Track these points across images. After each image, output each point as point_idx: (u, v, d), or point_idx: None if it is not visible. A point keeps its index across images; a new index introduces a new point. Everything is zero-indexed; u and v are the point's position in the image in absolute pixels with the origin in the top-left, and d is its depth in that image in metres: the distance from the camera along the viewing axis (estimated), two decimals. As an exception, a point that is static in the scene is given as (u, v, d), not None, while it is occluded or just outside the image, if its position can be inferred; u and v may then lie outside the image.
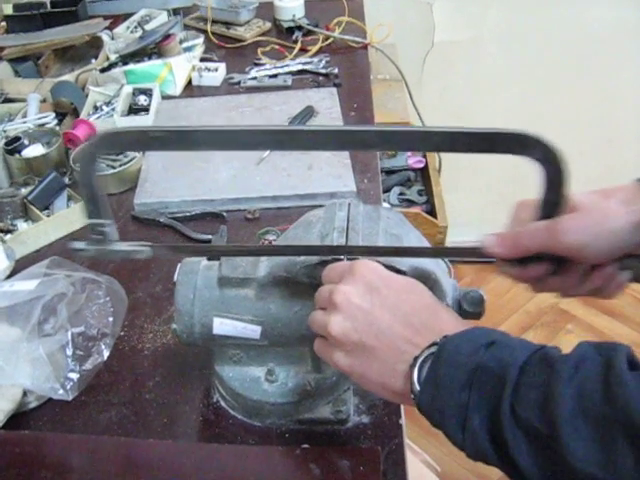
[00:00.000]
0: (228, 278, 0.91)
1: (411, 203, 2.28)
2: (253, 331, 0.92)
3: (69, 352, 0.97)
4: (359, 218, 0.89)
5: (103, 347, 1.01)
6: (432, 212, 2.24)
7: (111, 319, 1.03)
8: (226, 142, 0.70)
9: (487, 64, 2.48)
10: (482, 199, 2.79)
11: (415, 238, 0.91)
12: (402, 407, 1.00)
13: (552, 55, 2.46)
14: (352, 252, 0.83)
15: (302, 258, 0.86)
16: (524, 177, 2.69)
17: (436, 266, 0.89)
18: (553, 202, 0.71)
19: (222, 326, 0.92)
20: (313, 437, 0.96)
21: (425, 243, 0.94)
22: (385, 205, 2.23)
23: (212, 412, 1.00)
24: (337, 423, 0.96)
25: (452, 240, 2.46)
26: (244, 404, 0.97)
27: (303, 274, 0.86)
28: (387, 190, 2.29)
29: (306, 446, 0.93)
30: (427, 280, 0.87)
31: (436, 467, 1.50)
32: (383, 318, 0.71)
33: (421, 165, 2.34)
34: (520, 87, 2.50)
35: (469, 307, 0.90)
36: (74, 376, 0.97)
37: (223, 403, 1.00)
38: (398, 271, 0.84)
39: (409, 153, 2.37)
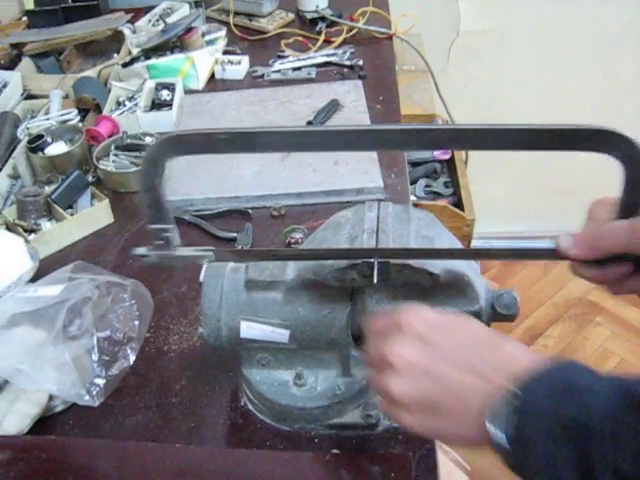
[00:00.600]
0: (255, 281, 0.89)
1: (437, 195, 2.24)
2: (281, 335, 0.90)
3: (95, 357, 0.95)
4: (389, 219, 0.86)
5: (129, 351, 0.99)
6: (459, 204, 2.20)
7: (137, 322, 1.01)
8: (292, 143, 0.68)
9: (513, 53, 2.43)
10: (510, 190, 2.75)
11: (447, 239, 0.89)
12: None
13: (579, 44, 2.41)
14: (383, 255, 0.81)
15: (331, 261, 0.83)
16: (552, 167, 2.67)
17: (468, 267, 0.86)
18: (634, 201, 0.68)
19: (250, 330, 0.90)
20: (343, 442, 0.94)
21: (457, 244, 0.91)
22: (411, 198, 2.20)
23: (240, 416, 0.98)
24: (367, 428, 0.94)
25: (479, 231, 2.42)
26: (272, 408, 0.95)
27: (332, 277, 0.84)
28: (413, 182, 2.26)
29: (336, 451, 0.91)
30: (460, 283, 0.85)
31: (465, 466, 1.47)
32: (443, 370, 0.66)
33: (447, 156, 2.30)
34: (547, 76, 2.45)
35: (503, 310, 0.87)
36: (100, 381, 0.95)
37: (251, 407, 0.99)
38: (430, 274, 0.81)
39: (435, 144, 2.33)
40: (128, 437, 0.97)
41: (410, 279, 0.82)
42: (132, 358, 1.00)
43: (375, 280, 0.80)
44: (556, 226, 2.86)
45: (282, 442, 0.94)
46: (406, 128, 0.67)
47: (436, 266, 0.82)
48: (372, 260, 0.81)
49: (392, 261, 0.80)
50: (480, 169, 2.51)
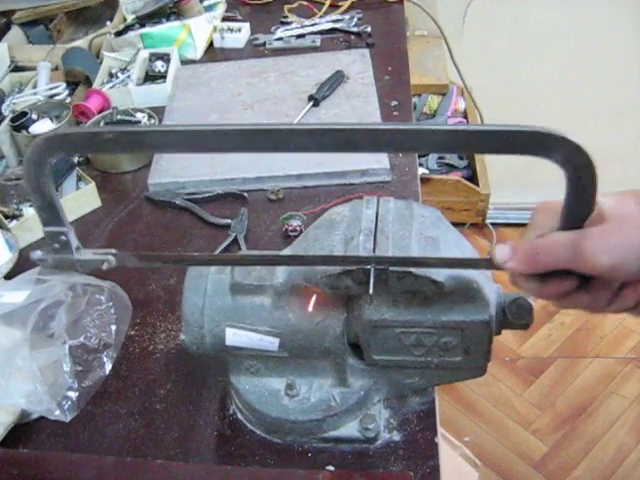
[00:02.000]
0: (241, 284, 0.82)
1: (451, 168, 2.15)
2: (270, 343, 0.83)
3: (66, 367, 0.87)
4: (389, 218, 0.78)
5: (105, 360, 0.91)
6: (473, 177, 2.10)
7: (114, 327, 0.93)
8: (190, 144, 0.59)
9: (532, 17, 2.31)
10: (527, 159, 2.63)
11: (454, 239, 0.80)
12: (438, 422, 0.89)
13: (601, 6, 2.28)
14: (380, 262, 0.72)
15: (323, 267, 0.75)
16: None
17: (478, 272, 0.77)
18: (578, 211, 0.59)
19: (236, 337, 0.83)
20: (339, 456, 0.86)
21: (465, 243, 0.82)
22: (422, 171, 2.10)
23: (228, 426, 0.91)
24: (365, 441, 0.87)
25: (494, 202, 2.33)
26: (262, 420, 0.87)
27: (325, 284, 0.75)
28: (425, 154, 2.16)
29: (330, 469, 0.84)
30: (468, 289, 0.76)
31: (476, 460, 1.40)
32: None
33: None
34: (567, 42, 2.32)
35: (514, 318, 0.79)
36: (72, 394, 0.88)
37: (240, 416, 0.91)
38: (434, 282, 0.73)
39: (449, 113, 2.22)
40: (108, 448, 0.90)
41: (411, 287, 0.74)
42: (108, 367, 0.92)
43: (371, 290, 0.72)
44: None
45: (272, 456, 0.87)
46: (310, 129, 0.58)
47: (440, 272, 0.73)
48: (369, 267, 0.72)
49: (391, 268, 0.72)
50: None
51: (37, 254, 0.71)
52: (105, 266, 0.72)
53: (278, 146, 0.58)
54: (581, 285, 0.62)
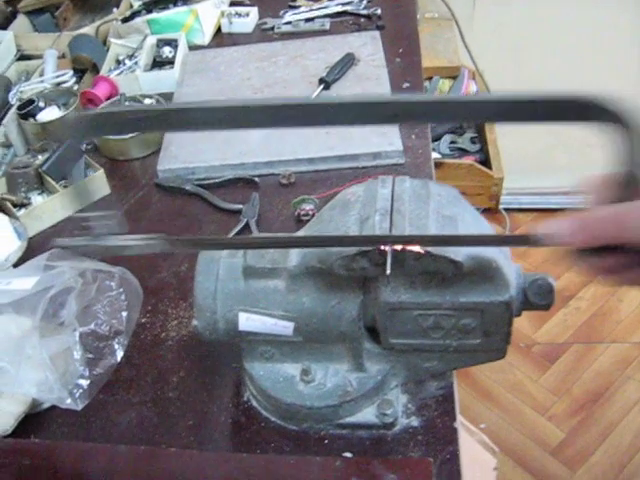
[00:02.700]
0: (254, 268, 0.80)
1: (463, 152, 2.12)
2: (285, 327, 0.81)
3: (77, 355, 0.85)
4: (405, 197, 0.75)
5: (116, 347, 0.90)
6: (486, 161, 2.07)
7: (125, 314, 0.91)
8: (224, 120, 0.57)
9: (543, -1, 2.27)
10: (540, 143, 2.60)
11: (472, 218, 0.78)
12: (457, 407, 0.87)
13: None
14: (397, 242, 0.70)
15: (338, 248, 0.73)
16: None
17: (497, 251, 0.75)
18: (626, 181, 0.56)
19: (249, 322, 0.81)
20: (356, 443, 0.84)
21: (483, 222, 0.80)
22: (435, 155, 2.08)
23: (242, 413, 0.89)
24: (383, 427, 0.85)
25: (507, 187, 2.30)
26: (277, 406, 0.86)
27: (340, 266, 0.73)
28: (437, 139, 2.13)
29: (348, 455, 0.82)
30: (487, 270, 0.74)
31: (494, 447, 1.38)
32: None
33: (473, 110, 2.17)
34: (582, 23, 2.28)
35: (536, 299, 0.77)
36: (84, 382, 0.86)
37: (255, 403, 0.89)
38: (453, 262, 0.70)
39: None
40: (121, 437, 0.88)
41: (429, 267, 0.72)
42: (120, 354, 0.90)
43: (388, 270, 0.70)
44: (589, 181, 2.74)
45: (288, 443, 0.85)
46: (337, 102, 0.55)
47: (459, 252, 0.71)
48: (385, 248, 0.70)
49: (408, 248, 0.70)
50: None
51: (63, 241, 0.68)
52: (137, 252, 0.69)
53: (309, 120, 0.55)
54: (637, 260, 0.60)
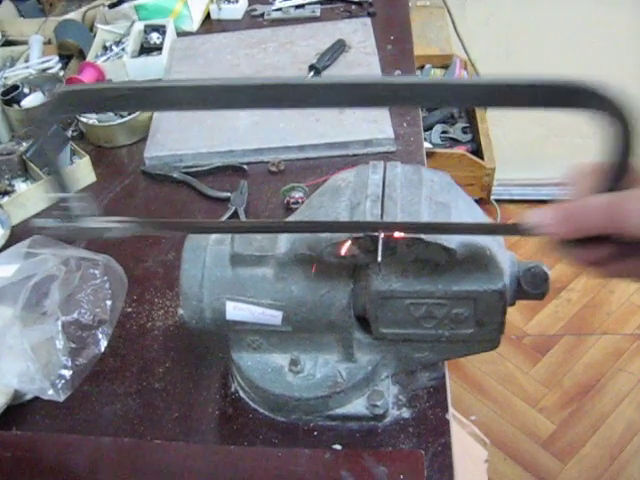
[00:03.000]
0: (242, 255, 0.78)
1: (455, 142, 2.10)
2: (273, 316, 0.79)
3: (60, 345, 0.83)
4: (397, 183, 0.73)
5: (100, 336, 0.87)
6: (478, 151, 2.05)
7: (109, 303, 0.89)
8: (208, 100, 0.54)
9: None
10: (532, 134, 2.59)
11: (465, 205, 0.76)
12: (449, 398, 0.86)
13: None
14: (389, 228, 0.68)
15: (328, 235, 0.71)
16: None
17: (491, 239, 0.74)
18: (615, 171, 0.54)
19: (237, 311, 0.79)
20: (345, 435, 0.83)
21: (476, 209, 0.78)
22: (426, 145, 2.05)
23: (230, 404, 0.87)
24: (373, 419, 0.83)
25: (498, 178, 2.28)
26: (265, 398, 0.84)
27: (330, 253, 0.71)
28: (428, 128, 2.11)
29: (337, 447, 0.80)
30: (481, 258, 0.72)
31: (484, 439, 1.36)
32: None
33: (465, 100, 2.15)
34: (575, 12, 2.27)
35: (530, 287, 0.75)
36: (66, 373, 0.84)
37: (242, 394, 0.87)
38: (446, 249, 0.69)
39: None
40: (105, 428, 0.86)
41: (421, 255, 0.70)
42: (104, 344, 0.88)
43: (379, 258, 0.68)
44: (580, 172, 2.73)
45: (277, 435, 0.83)
46: (330, 83, 0.53)
47: (452, 239, 0.69)
48: (377, 234, 0.68)
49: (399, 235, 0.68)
50: (498, 113, 2.36)
51: (40, 222, 0.66)
52: (116, 234, 0.67)
53: (295, 102, 0.53)
54: (626, 252, 0.57)
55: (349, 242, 0.70)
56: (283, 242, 0.77)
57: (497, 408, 2.06)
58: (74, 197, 0.63)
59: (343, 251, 0.70)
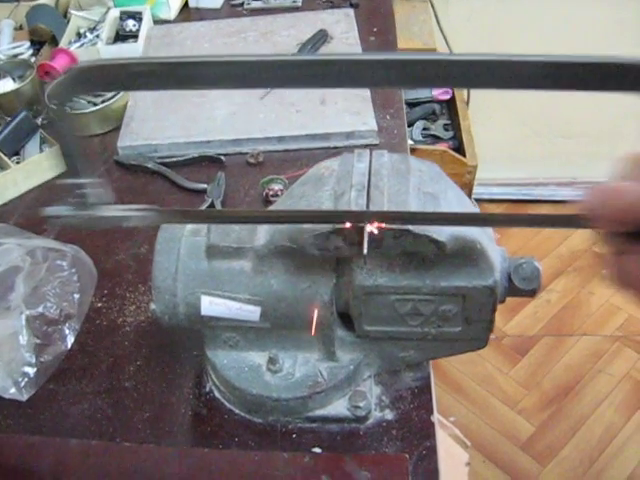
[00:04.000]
0: (218, 247, 0.73)
1: (436, 139, 2.07)
2: (250, 312, 0.75)
3: (23, 340, 0.78)
4: (383, 172, 0.70)
5: (67, 332, 0.83)
6: (459, 149, 2.02)
7: (77, 296, 0.84)
8: (243, 78, 0.49)
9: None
10: (512, 133, 2.57)
11: (455, 196, 0.72)
12: (434, 399, 0.82)
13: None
14: (375, 218, 0.64)
15: (310, 225, 0.66)
16: (558, 108, 2.49)
17: (481, 232, 0.70)
18: None
19: (212, 306, 0.74)
20: (326, 437, 0.79)
21: (467, 201, 0.75)
22: (409, 143, 2.02)
23: (204, 405, 0.83)
24: (355, 421, 0.79)
25: (479, 177, 2.25)
26: (242, 398, 0.80)
27: (312, 245, 0.67)
28: (409, 125, 2.07)
29: (317, 451, 0.77)
30: (470, 251, 0.69)
31: (466, 441, 1.33)
32: None
33: (447, 96, 2.12)
34: (559, 9, 2.25)
35: (522, 284, 0.72)
36: (30, 370, 0.79)
37: (217, 394, 0.83)
38: (435, 242, 0.65)
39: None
40: (72, 429, 0.82)
41: (409, 247, 0.66)
42: (71, 340, 0.83)
43: (365, 250, 0.64)
44: (560, 172, 2.73)
45: (254, 437, 0.79)
46: (384, 59, 0.48)
47: (442, 231, 0.66)
48: (362, 225, 0.64)
49: (386, 226, 0.64)
50: (480, 111, 2.33)
51: (52, 210, 0.61)
52: (137, 223, 0.63)
53: (343, 79, 0.48)
54: None
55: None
56: (262, 233, 0.73)
57: (476, 409, 2.03)
58: (90, 183, 0.58)
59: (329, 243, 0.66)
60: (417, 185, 0.69)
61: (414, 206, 0.66)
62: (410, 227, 0.64)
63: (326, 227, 0.65)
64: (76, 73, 0.50)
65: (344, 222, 0.64)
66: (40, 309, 0.81)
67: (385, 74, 0.46)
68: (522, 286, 0.72)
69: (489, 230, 0.73)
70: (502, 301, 0.73)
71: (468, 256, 0.69)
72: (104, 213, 0.60)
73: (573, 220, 0.56)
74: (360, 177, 0.69)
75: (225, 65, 0.48)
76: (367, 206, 0.66)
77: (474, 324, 0.73)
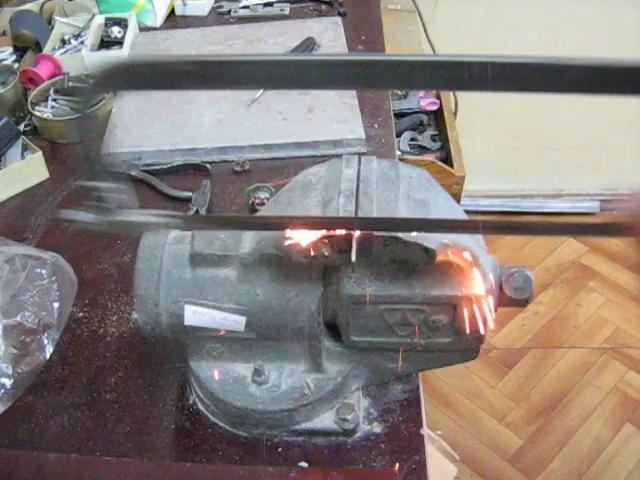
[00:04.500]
0: (202, 255, 0.72)
1: (424, 150, 2.05)
2: (235, 322, 0.73)
3: (0, 351, 0.76)
4: (372, 178, 0.68)
5: (45, 342, 0.80)
6: (447, 160, 2.01)
7: (56, 305, 0.82)
8: (291, 78, 0.47)
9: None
10: (499, 145, 2.57)
11: (445, 203, 0.71)
12: (423, 412, 0.80)
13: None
14: (365, 226, 0.62)
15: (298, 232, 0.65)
16: (545, 120, 2.48)
17: (473, 241, 0.68)
18: None
19: (196, 316, 0.73)
20: (312, 451, 0.77)
21: (458, 209, 0.73)
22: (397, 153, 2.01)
23: (187, 418, 0.81)
24: (342, 434, 0.77)
25: (466, 189, 2.25)
26: (226, 410, 0.77)
27: (299, 252, 0.65)
28: (397, 135, 2.06)
29: (304, 465, 0.75)
30: (462, 260, 0.66)
31: (454, 455, 1.31)
32: None
33: (435, 107, 2.11)
34: (544, 22, 2.25)
35: (514, 293, 0.70)
36: (7, 381, 0.76)
37: (201, 406, 0.81)
38: (425, 250, 0.63)
39: (421, 93, 2.13)
40: (51, 443, 0.80)
41: (399, 255, 0.64)
42: (49, 350, 0.81)
43: (354, 258, 0.62)
44: (547, 184, 2.72)
45: (238, 451, 0.78)
46: (406, 60, 0.47)
47: (432, 239, 0.64)
48: (350, 232, 0.62)
49: (376, 233, 0.62)
50: (467, 123, 2.32)
51: (70, 213, 0.59)
52: (162, 228, 0.61)
53: (393, 82, 0.46)
54: None
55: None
56: (248, 241, 0.71)
57: (463, 422, 2.01)
58: (111, 187, 0.55)
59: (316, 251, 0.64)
60: (407, 192, 0.68)
61: (404, 213, 0.65)
62: (400, 234, 0.62)
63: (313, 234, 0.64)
64: (125, 67, 0.48)
65: (332, 229, 0.63)
66: (18, 318, 0.78)
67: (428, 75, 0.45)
68: (514, 295, 0.71)
69: (480, 238, 0.72)
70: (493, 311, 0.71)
71: (459, 265, 0.67)
72: (125, 218, 0.58)
73: (609, 228, 0.54)
74: (349, 183, 0.67)
75: (263, 65, 0.47)
76: (356, 213, 0.64)
77: (465, 334, 0.71)
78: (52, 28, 1.50)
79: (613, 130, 2.46)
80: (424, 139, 2.08)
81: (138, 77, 0.49)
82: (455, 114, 2.15)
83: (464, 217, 0.73)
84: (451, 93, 2.13)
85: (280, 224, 0.64)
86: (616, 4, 2.22)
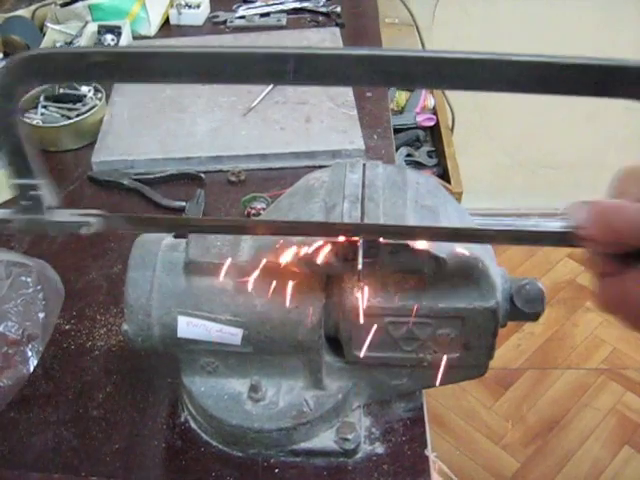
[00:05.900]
0: (198, 263, 0.68)
1: (420, 166, 2.03)
2: (232, 335, 0.69)
3: (-21, 363, 0.72)
4: (378, 184, 0.65)
5: (29, 354, 0.76)
6: (444, 176, 1.99)
7: (42, 316, 0.78)
8: (203, 71, 0.44)
9: (504, 9, 2.23)
10: (495, 162, 2.56)
11: (454, 211, 0.68)
12: (428, 432, 0.76)
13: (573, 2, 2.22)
14: (371, 233, 0.59)
15: (299, 239, 0.61)
16: (542, 138, 2.48)
17: (483, 251, 0.65)
18: None
19: (190, 327, 0.69)
20: (311, 472, 0.73)
21: (467, 216, 0.70)
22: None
23: (179, 436, 0.77)
24: (343, 455, 0.73)
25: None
26: (220, 428, 0.73)
27: (301, 260, 0.62)
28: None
29: (302, 488, 0.70)
30: (471, 270, 0.64)
31: (453, 477, 1.27)
32: None
33: (432, 123, 2.09)
34: (540, 38, 2.25)
35: (525, 307, 0.67)
36: (-14, 395, 0.72)
37: (193, 424, 0.77)
38: (435, 258, 0.60)
39: (417, 109, 2.11)
40: (34, 463, 0.75)
41: (407, 264, 0.61)
42: (33, 363, 0.77)
43: (360, 266, 0.58)
44: (543, 203, 2.70)
45: (232, 472, 0.74)
46: (360, 54, 0.44)
47: (442, 247, 0.60)
48: (355, 239, 0.59)
49: (383, 240, 0.59)
50: (463, 141, 2.31)
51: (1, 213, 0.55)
52: (89, 230, 0.57)
53: (302, 76, 0.43)
54: None
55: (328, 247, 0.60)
56: (246, 248, 0.68)
57: (459, 444, 1.98)
58: (44, 184, 0.52)
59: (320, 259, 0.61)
60: (414, 198, 0.64)
61: (412, 220, 0.62)
62: (409, 242, 0.59)
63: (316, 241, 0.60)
64: (25, 61, 0.45)
65: (336, 236, 0.59)
66: (0, 328, 0.74)
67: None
68: (525, 309, 0.67)
69: (490, 248, 0.68)
70: (503, 325, 0.68)
71: (468, 275, 0.64)
72: (61, 218, 0.55)
73: (564, 238, 0.52)
74: (353, 188, 0.64)
75: (187, 57, 0.44)
76: (361, 219, 0.61)
77: (473, 349, 0.68)
78: (44, 35, 1.47)
79: (609, 149, 2.45)
80: (420, 155, 2.06)
81: (49, 68, 0.46)
82: (452, 130, 2.13)
83: (474, 225, 0.70)
84: (448, 108, 2.11)
85: (266, 229, 0.61)
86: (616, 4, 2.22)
